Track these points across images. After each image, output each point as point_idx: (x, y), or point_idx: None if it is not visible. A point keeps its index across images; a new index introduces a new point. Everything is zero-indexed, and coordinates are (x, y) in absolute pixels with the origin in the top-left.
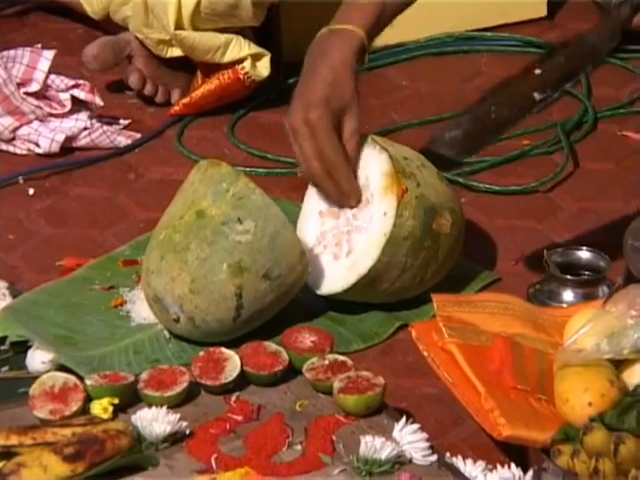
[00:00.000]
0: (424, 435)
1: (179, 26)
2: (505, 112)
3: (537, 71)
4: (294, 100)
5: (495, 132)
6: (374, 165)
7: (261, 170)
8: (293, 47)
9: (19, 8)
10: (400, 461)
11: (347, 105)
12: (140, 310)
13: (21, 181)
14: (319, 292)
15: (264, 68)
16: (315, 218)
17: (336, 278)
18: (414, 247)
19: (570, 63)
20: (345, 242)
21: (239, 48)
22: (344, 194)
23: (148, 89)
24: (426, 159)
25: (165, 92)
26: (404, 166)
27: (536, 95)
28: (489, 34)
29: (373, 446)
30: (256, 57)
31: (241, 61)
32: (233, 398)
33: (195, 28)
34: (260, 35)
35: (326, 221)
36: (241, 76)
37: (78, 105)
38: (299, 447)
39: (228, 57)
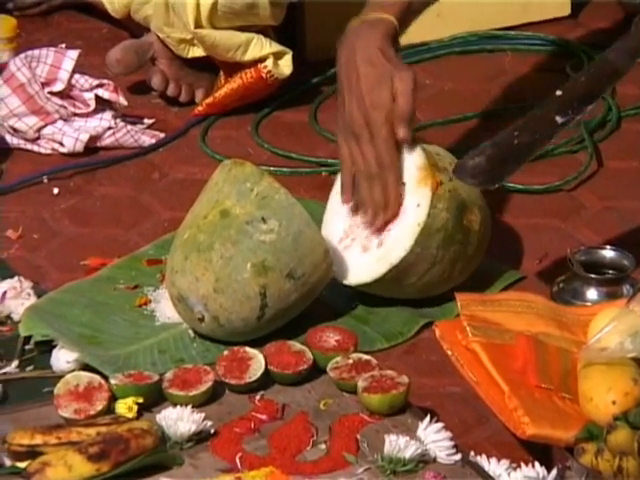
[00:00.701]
0: (448, 434)
1: (198, 24)
2: (527, 137)
3: (558, 92)
4: (347, 100)
5: (518, 158)
6: (407, 159)
7: (285, 169)
8: (317, 45)
9: (44, 7)
10: (424, 460)
11: (396, 94)
12: (164, 309)
13: (45, 180)
14: (347, 282)
15: (286, 66)
16: (343, 212)
17: (366, 269)
18: (446, 240)
19: (591, 84)
20: (376, 234)
21: (260, 46)
22: (388, 202)
23: (171, 90)
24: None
25: (189, 92)
26: (437, 160)
27: (558, 118)
28: (513, 33)
29: (397, 445)
30: (278, 55)
31: (263, 60)
32: (257, 397)
33: (213, 26)
34: (283, 33)
35: (355, 216)
36: (264, 75)
37: (102, 104)
38: (323, 446)
39: (249, 55)
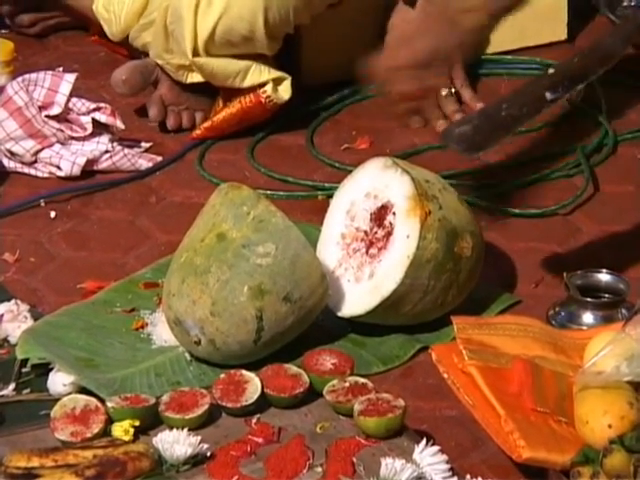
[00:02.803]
0: (444, 457)
1: (196, 53)
2: (515, 110)
3: (550, 70)
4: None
5: (504, 129)
6: (396, 188)
7: (281, 193)
8: (312, 70)
9: (38, 29)
10: None
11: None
12: (161, 332)
13: (42, 204)
14: (341, 314)
15: (285, 91)
16: (336, 241)
17: (358, 301)
18: (437, 270)
19: (583, 64)
20: (367, 265)
21: (259, 73)
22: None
23: (170, 123)
24: (445, 182)
25: (190, 117)
26: (426, 189)
27: (548, 95)
28: (509, 57)
29: (393, 468)
30: (277, 81)
31: (262, 85)
32: (254, 420)
33: (210, 54)
34: (279, 58)
35: (347, 244)
36: (263, 100)
37: (99, 128)
38: (320, 469)
39: (248, 82)
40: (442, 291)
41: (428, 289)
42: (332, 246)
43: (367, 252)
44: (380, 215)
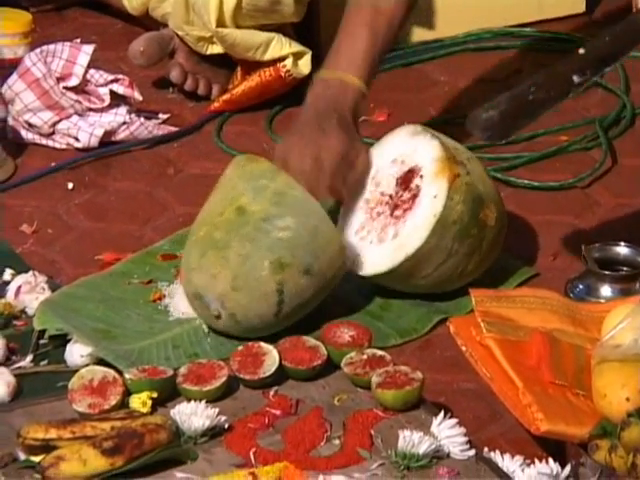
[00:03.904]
0: (462, 430)
1: (220, 23)
2: (542, 94)
3: (580, 50)
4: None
5: (531, 114)
6: (425, 152)
7: None
8: (329, 42)
9: (57, 4)
10: (438, 456)
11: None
12: (178, 304)
13: (53, 164)
14: (362, 273)
15: (305, 66)
16: (360, 206)
17: (381, 260)
18: (461, 233)
19: (614, 44)
20: (392, 226)
21: (280, 46)
22: None
23: (189, 84)
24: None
25: (207, 85)
26: (455, 154)
27: (575, 78)
28: (527, 30)
29: (411, 440)
30: (297, 55)
31: (282, 59)
32: (272, 392)
33: (237, 25)
34: (297, 30)
35: (371, 208)
36: (282, 74)
37: (117, 100)
38: (337, 441)
39: (269, 55)
40: (465, 257)
41: (452, 252)
42: (357, 211)
43: (392, 214)
44: (407, 179)
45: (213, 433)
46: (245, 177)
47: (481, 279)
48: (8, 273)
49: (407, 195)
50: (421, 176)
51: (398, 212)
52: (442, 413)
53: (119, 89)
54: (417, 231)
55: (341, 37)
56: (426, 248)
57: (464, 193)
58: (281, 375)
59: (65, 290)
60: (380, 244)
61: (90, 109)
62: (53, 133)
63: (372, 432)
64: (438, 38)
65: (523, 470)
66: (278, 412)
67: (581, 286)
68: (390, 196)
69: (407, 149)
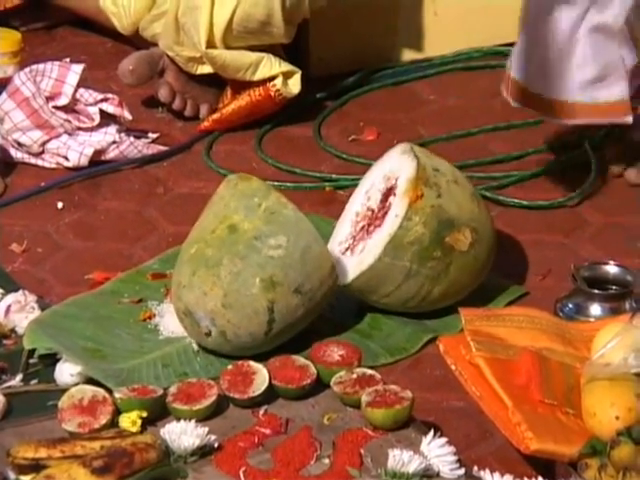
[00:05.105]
0: (452, 449)
1: (211, 44)
2: None
3: None
4: None
5: None
6: (403, 171)
7: (289, 184)
8: (320, 61)
9: (47, 23)
10: (428, 474)
11: None
12: (168, 323)
13: (43, 184)
14: (338, 282)
15: (295, 85)
16: (351, 218)
17: (347, 271)
18: (420, 254)
19: None
20: (363, 240)
21: (270, 66)
22: None
23: (177, 104)
24: (464, 178)
25: (194, 106)
26: (430, 176)
27: None
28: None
29: (401, 459)
30: (287, 75)
31: (272, 78)
32: (261, 411)
33: (227, 46)
34: (287, 49)
35: (357, 221)
36: (272, 93)
37: (107, 119)
38: (327, 460)
39: (259, 75)
40: (428, 279)
41: (411, 273)
42: (347, 222)
43: (367, 229)
44: (387, 195)
45: (203, 452)
46: (237, 195)
47: (470, 298)
48: None
49: (382, 212)
50: (394, 194)
51: (371, 227)
52: (432, 432)
53: (109, 108)
54: (373, 248)
55: None
56: (380, 265)
57: (427, 215)
58: (271, 394)
59: (55, 309)
60: (351, 256)
61: (80, 128)
62: (43, 152)
63: (362, 451)
64: (428, 57)
65: None
66: (268, 431)
67: (571, 305)
68: (372, 211)
69: (395, 167)
